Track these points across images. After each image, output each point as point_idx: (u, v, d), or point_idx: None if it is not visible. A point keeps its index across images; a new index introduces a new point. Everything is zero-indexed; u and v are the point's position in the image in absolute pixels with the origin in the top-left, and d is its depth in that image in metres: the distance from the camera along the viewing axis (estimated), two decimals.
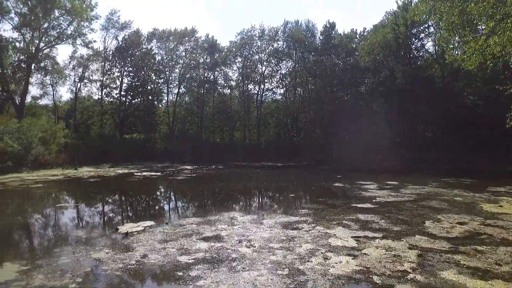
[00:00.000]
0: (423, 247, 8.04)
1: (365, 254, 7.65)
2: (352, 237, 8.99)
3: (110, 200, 16.84)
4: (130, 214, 13.17)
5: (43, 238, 9.71)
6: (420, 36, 38.51)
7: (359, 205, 13.28)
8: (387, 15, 43.84)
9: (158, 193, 19.19)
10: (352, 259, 7.37)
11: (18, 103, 42.59)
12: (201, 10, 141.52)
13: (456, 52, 24.70)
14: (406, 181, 20.87)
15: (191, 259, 7.45)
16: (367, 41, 40.20)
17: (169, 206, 15.24)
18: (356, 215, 11.54)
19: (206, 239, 8.98)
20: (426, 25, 36.88)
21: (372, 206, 13.02)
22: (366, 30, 46.36)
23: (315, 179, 23.60)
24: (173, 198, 17.63)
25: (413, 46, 39.08)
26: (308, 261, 7.29)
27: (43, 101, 52.57)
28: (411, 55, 39.16)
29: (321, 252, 7.79)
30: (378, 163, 35.78)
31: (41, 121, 35.61)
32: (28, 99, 49.53)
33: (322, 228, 9.98)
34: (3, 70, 41.08)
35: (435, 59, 38.20)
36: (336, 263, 7.15)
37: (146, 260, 7.36)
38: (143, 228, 10.12)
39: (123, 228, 10.02)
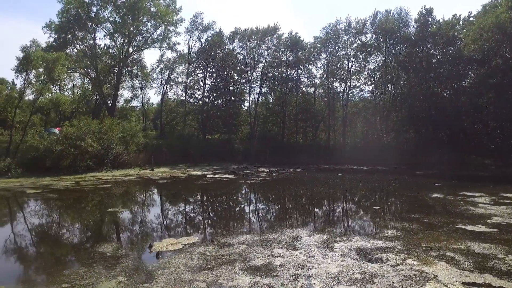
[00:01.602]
0: None
1: None
2: (463, 283, 6.04)
3: (162, 207, 15.45)
4: (177, 226, 11.41)
5: (63, 253, 8.31)
6: None
7: (468, 227, 9.96)
8: None
9: (218, 200, 17.38)
10: None
11: (110, 106, 45.14)
12: (286, 6, 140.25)
13: None
14: None
15: None
16: (473, 26, 34.27)
17: (225, 217, 13.12)
18: (465, 244, 8.38)
19: (251, 269, 6.77)
20: None
21: (489, 230, 9.61)
22: (472, 15, 39.99)
23: (407, 187, 20.01)
24: (232, 207, 15.48)
25: None
26: None
27: (134, 104, 55.44)
28: None
29: None
30: (487, 168, 30.24)
31: (131, 122, 36.85)
32: (121, 102, 52.70)
33: (415, 262, 7.13)
34: (98, 75, 43.80)
35: None
36: None
37: None
38: (182, 246, 8.27)
39: (159, 245, 8.26)
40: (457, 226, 10.08)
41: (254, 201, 17.02)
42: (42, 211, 13.47)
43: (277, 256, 7.52)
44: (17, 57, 26.73)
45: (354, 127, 50.00)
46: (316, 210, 14.58)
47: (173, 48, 47.37)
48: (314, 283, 6.08)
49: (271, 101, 53.55)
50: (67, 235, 10.14)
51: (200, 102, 50.27)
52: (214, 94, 50.26)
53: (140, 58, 49.34)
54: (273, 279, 6.27)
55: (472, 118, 36.22)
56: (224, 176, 24.98)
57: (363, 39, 46.35)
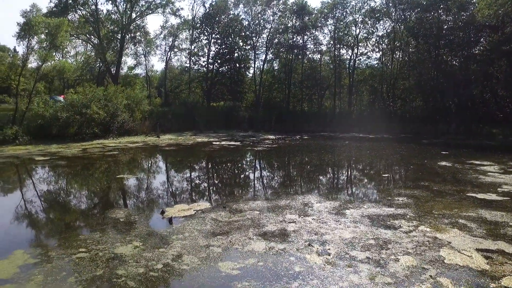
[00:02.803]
0: None
1: None
2: (477, 250, 6.07)
3: (171, 173, 15.48)
4: (187, 192, 11.48)
5: (77, 219, 8.40)
6: None
7: (478, 195, 9.94)
8: None
9: (227, 166, 17.45)
10: None
11: (113, 74, 44.64)
12: None
13: None
14: None
15: (236, 268, 5.35)
16: None
17: (234, 183, 13.21)
18: (477, 211, 8.38)
19: (265, 235, 6.82)
20: None
21: (500, 198, 9.59)
22: None
23: (415, 155, 19.94)
24: (241, 173, 15.61)
25: None
26: None
27: (137, 71, 54.73)
28: None
29: (430, 276, 5.11)
30: (495, 138, 30.03)
31: (135, 90, 36.57)
32: (125, 69, 52.05)
33: (428, 229, 7.15)
34: (100, 41, 43.04)
35: None
36: None
37: (177, 265, 5.45)
38: (194, 212, 8.32)
39: (171, 211, 8.32)
40: (468, 194, 10.07)
41: (263, 168, 17.08)
42: (53, 178, 13.58)
43: (289, 222, 7.57)
44: (18, 23, 26.21)
45: (360, 95, 49.41)
46: (325, 177, 14.62)
47: (177, 13, 46.26)
48: (329, 249, 6.12)
49: (276, 68, 52.77)
50: (79, 201, 10.23)
51: (205, 69, 49.55)
52: (219, 61, 49.44)
53: (143, 24, 48.37)
54: (287, 245, 6.31)
55: (482, 87, 35.53)
56: (231, 143, 24.96)
57: (372, 4, 44.99)
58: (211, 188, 12.40)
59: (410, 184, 11.93)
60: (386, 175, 14.46)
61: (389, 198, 9.82)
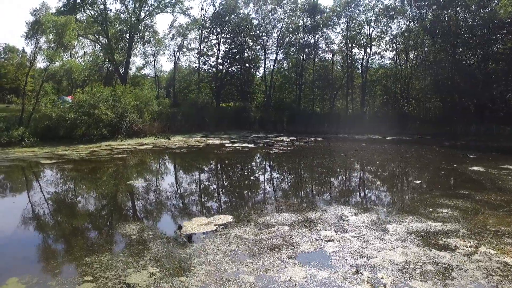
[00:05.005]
0: None
1: None
2: None
3: (185, 180, 14.31)
4: (204, 202, 10.45)
5: (82, 235, 7.36)
6: None
7: None
8: None
9: (245, 171, 16.39)
10: None
11: (122, 74, 43.95)
12: None
13: None
14: None
15: None
16: None
17: (257, 191, 12.08)
18: None
19: (302, 257, 5.81)
20: None
21: None
22: None
23: (440, 159, 18.75)
24: (261, 180, 14.43)
25: None
26: None
27: (146, 71, 54.11)
28: None
29: None
30: None
31: (144, 90, 35.73)
32: (133, 69, 51.41)
33: (492, 251, 6.08)
34: (109, 41, 42.35)
35: None
36: None
37: None
38: (215, 227, 7.32)
39: (189, 226, 7.32)
40: None
41: (283, 174, 16.00)
42: (58, 185, 12.62)
43: (327, 241, 6.55)
44: (26, 22, 25.49)
45: (374, 96, 48.15)
46: (352, 184, 13.56)
47: (186, 12, 45.35)
48: (382, 277, 5.10)
49: (287, 68, 51.71)
50: (85, 214, 9.13)
51: (214, 69, 48.60)
52: (228, 61, 48.46)
53: (152, 23, 47.59)
54: (331, 272, 5.29)
55: (504, 86, 34.12)
56: (244, 145, 23.94)
57: (386, 2, 43.79)
58: (230, 197, 11.33)
59: (449, 192, 10.79)
60: (418, 181, 13.31)
61: (431, 209, 8.75)
